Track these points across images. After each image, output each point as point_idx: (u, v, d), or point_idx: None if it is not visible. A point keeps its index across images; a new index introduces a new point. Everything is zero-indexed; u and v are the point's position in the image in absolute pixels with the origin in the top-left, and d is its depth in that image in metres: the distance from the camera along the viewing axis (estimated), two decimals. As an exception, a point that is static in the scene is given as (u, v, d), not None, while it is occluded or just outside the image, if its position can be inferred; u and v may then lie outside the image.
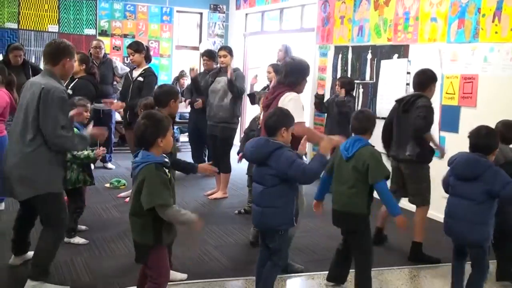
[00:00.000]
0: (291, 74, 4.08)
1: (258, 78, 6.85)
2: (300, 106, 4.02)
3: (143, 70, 6.09)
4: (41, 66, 5.21)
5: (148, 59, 6.22)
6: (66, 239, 4.40)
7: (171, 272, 3.62)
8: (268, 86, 6.52)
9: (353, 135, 3.72)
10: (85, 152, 4.39)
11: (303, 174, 3.25)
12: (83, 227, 4.83)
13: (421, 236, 4.55)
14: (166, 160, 3.05)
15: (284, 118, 3.39)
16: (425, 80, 4.66)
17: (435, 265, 4.45)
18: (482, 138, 3.52)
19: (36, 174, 3.48)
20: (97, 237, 4.67)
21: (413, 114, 4.47)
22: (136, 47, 6.12)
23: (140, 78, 6.03)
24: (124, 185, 6.51)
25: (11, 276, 3.88)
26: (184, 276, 3.94)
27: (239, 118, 6.47)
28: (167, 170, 3.03)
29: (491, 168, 3.43)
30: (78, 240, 4.55)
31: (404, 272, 4.36)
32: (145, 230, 2.96)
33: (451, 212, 3.59)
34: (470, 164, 3.48)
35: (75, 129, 4.43)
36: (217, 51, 6.61)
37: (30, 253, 3.91)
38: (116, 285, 3.78)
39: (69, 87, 5.45)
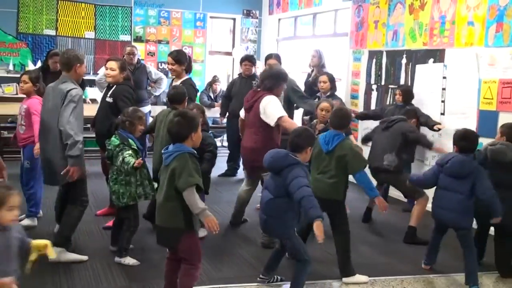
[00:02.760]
0: (266, 80, 4.75)
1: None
2: (279, 104, 4.72)
3: (182, 82, 5.57)
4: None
5: (188, 69, 5.80)
6: (116, 259, 4.24)
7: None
8: (319, 96, 6.44)
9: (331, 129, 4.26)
10: (131, 163, 4.07)
11: (297, 188, 3.43)
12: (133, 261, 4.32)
13: (416, 222, 5.10)
14: (195, 152, 3.35)
15: (310, 139, 3.71)
16: (411, 113, 5.75)
17: (450, 274, 4.37)
18: (471, 143, 4.15)
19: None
20: (133, 242, 4.71)
21: (393, 131, 5.33)
22: (178, 57, 5.62)
23: None
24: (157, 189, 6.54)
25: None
26: None
27: None
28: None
29: (479, 168, 4.07)
30: (129, 261, 4.24)
31: (419, 281, 4.27)
32: (177, 214, 3.23)
33: (442, 203, 4.16)
34: (464, 165, 4.07)
35: (130, 140, 4.25)
36: (265, 58, 6.42)
37: None
38: (151, 288, 3.83)
39: (108, 95, 5.16)
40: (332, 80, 6.40)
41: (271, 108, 4.67)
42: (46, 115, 4.36)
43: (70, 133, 4.08)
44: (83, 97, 4.57)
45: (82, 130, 4.27)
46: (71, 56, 4.38)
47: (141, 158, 4.18)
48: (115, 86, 5.17)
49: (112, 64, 5.16)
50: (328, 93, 6.35)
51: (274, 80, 4.78)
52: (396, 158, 5.28)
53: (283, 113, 4.71)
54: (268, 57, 6.52)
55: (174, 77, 5.76)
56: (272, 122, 4.71)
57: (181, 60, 5.60)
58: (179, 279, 3.39)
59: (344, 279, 4.12)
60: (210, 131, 9.02)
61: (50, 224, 4.89)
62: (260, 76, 4.89)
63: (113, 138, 4.28)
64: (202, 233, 4.60)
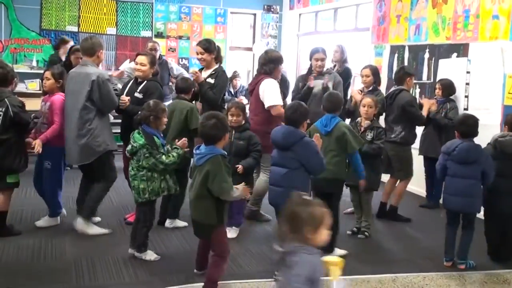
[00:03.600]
0: (265, 64, 5.02)
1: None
2: (278, 90, 4.96)
3: (213, 70, 5.40)
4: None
5: (218, 60, 5.51)
6: (137, 254, 4.24)
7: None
8: (361, 90, 5.89)
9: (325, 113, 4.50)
10: (174, 154, 4.13)
11: (322, 166, 3.88)
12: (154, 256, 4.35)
13: (398, 202, 5.58)
14: (225, 153, 3.61)
15: (306, 113, 4.00)
16: (402, 75, 5.67)
17: (472, 272, 4.33)
18: (471, 127, 4.32)
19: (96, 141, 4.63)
20: (154, 236, 4.73)
21: (396, 105, 5.53)
22: (207, 45, 5.41)
23: (210, 80, 5.35)
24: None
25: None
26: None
27: None
28: None
29: (484, 152, 4.27)
30: (150, 256, 4.25)
31: (441, 278, 4.24)
32: (209, 212, 3.51)
33: (454, 190, 4.28)
34: (470, 151, 4.23)
35: (156, 139, 4.14)
36: (311, 53, 6.01)
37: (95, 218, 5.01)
38: (172, 282, 3.85)
39: (137, 91, 5.04)
40: (375, 73, 5.92)
41: (268, 94, 4.94)
42: (70, 97, 4.63)
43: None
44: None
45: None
46: (95, 42, 4.74)
47: (184, 139, 4.27)
48: (145, 81, 5.06)
49: (142, 59, 5.05)
50: (371, 87, 5.81)
51: (273, 64, 5.06)
52: (403, 130, 5.48)
53: (277, 102, 4.94)
54: (315, 51, 6.11)
55: (194, 73, 5.43)
56: (265, 105, 4.99)
57: (210, 48, 5.39)
58: (208, 270, 3.69)
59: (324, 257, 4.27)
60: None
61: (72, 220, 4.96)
62: (260, 60, 5.14)
63: (136, 135, 4.17)
64: (234, 233, 4.70)
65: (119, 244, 4.55)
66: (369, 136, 4.92)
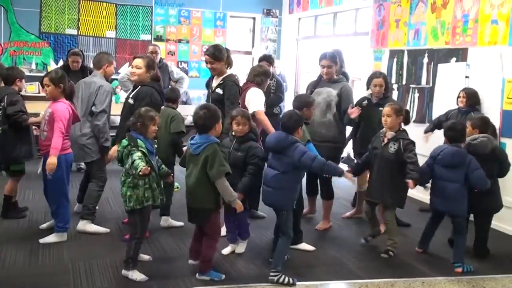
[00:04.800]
0: (258, 76, 5.20)
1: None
2: (262, 97, 5.15)
3: (222, 79, 5.12)
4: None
5: (228, 65, 5.24)
6: (123, 272, 3.97)
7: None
8: (369, 98, 5.51)
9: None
10: (139, 168, 3.74)
11: (312, 160, 4.02)
12: (146, 257, 4.33)
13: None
14: (219, 141, 3.91)
15: (300, 120, 4.20)
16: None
17: (473, 277, 4.32)
18: (458, 132, 4.53)
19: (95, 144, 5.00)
20: (151, 238, 4.74)
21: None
22: (216, 54, 5.09)
23: (219, 90, 5.09)
24: (178, 188, 6.40)
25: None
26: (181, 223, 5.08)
27: (345, 135, 5.70)
28: None
29: (470, 158, 4.42)
30: (136, 276, 3.92)
31: (440, 283, 4.22)
32: (208, 196, 3.81)
33: (439, 193, 4.53)
34: (455, 156, 4.44)
35: (139, 141, 3.89)
36: (319, 59, 5.57)
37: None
38: (170, 286, 3.84)
39: (131, 96, 4.85)
40: (387, 80, 5.58)
41: (253, 100, 5.10)
42: (80, 104, 4.97)
43: (101, 128, 4.91)
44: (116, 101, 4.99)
45: (109, 121, 5.08)
46: (102, 57, 5.18)
47: (148, 166, 3.78)
48: (139, 87, 4.83)
49: (138, 62, 4.81)
50: (381, 96, 5.44)
51: (265, 76, 5.25)
52: None
53: (260, 107, 5.10)
54: (322, 57, 5.56)
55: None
56: (249, 111, 4.84)
57: (219, 56, 5.09)
58: (203, 250, 3.96)
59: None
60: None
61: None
62: (253, 72, 5.25)
63: (123, 140, 4.02)
64: (242, 248, 4.62)
65: (116, 247, 4.54)
66: (392, 148, 4.58)
